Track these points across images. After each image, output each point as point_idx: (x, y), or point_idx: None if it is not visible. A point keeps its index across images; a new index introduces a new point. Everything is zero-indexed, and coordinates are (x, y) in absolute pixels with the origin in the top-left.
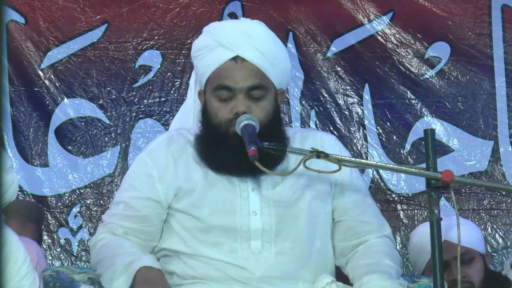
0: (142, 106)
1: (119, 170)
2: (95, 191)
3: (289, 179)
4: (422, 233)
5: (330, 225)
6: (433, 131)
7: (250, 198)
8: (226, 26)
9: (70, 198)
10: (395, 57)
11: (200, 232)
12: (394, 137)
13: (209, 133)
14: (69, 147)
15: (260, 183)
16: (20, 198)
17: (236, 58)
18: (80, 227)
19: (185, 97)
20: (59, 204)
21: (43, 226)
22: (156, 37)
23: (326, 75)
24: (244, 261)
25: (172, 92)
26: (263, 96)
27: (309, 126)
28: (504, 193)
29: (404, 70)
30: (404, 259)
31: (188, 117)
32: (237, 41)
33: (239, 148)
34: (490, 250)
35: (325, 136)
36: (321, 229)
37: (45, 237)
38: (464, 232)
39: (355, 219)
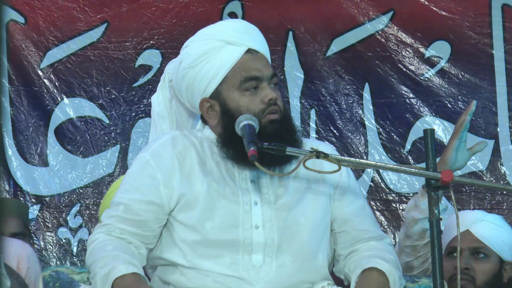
0: (142, 106)
1: (118, 169)
2: (94, 190)
3: (289, 191)
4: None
5: (328, 236)
6: (432, 131)
7: (253, 211)
8: (225, 25)
9: (69, 198)
10: (395, 57)
11: (201, 245)
12: (394, 137)
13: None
14: (69, 146)
15: (262, 196)
16: (20, 198)
17: (250, 51)
18: (80, 226)
19: None
20: (59, 203)
21: (43, 226)
22: (156, 37)
23: (326, 74)
24: (244, 273)
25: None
26: (277, 84)
27: (309, 125)
28: (504, 192)
29: (404, 69)
30: None
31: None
32: (244, 36)
33: (275, 136)
34: None
35: (321, 145)
36: (321, 242)
37: (45, 237)
38: (489, 230)
39: (356, 228)
